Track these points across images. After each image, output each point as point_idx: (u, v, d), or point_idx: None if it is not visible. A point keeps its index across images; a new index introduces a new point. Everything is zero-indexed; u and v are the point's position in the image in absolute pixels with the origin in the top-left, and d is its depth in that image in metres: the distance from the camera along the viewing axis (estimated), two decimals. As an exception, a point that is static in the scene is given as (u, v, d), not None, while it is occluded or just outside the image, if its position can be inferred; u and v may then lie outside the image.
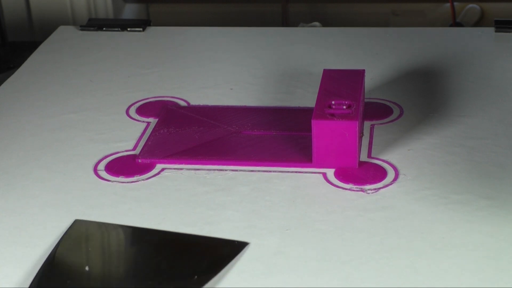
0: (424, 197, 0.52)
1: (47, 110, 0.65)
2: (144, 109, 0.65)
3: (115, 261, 0.48)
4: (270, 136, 0.59)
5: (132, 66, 0.73)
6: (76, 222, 0.51)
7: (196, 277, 0.45)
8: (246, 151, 0.58)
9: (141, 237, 0.49)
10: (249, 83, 0.68)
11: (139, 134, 0.61)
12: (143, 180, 0.55)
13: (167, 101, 0.66)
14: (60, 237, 0.49)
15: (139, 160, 0.57)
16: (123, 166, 0.57)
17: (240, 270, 0.46)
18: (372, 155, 0.57)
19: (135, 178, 0.56)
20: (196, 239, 0.49)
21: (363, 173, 0.55)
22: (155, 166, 0.57)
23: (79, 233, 0.50)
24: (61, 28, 0.82)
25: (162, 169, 0.56)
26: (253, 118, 0.62)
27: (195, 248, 0.48)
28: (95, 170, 0.57)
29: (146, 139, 0.60)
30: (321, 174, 0.55)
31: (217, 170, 0.56)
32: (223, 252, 0.47)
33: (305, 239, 0.49)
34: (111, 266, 0.47)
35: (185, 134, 0.60)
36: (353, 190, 0.53)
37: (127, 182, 0.55)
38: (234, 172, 0.56)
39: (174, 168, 0.56)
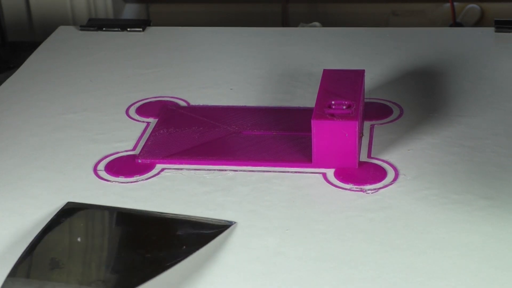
0: (424, 197, 0.52)
1: (47, 110, 0.65)
2: (144, 109, 0.65)
3: (106, 234, 0.50)
4: (270, 136, 0.59)
5: (132, 66, 0.73)
6: (69, 204, 0.52)
7: (184, 247, 0.47)
8: (246, 151, 0.58)
9: (132, 216, 0.51)
10: (249, 83, 0.68)
11: (139, 134, 0.61)
12: (143, 180, 0.55)
13: (167, 101, 0.66)
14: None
15: (139, 160, 0.57)
16: (123, 166, 0.57)
17: (240, 270, 0.46)
18: (372, 155, 0.57)
19: (134, 178, 0.56)
20: (184, 218, 0.51)
21: (363, 173, 0.55)
22: (155, 166, 0.57)
23: (72, 211, 0.52)
24: (61, 28, 0.82)
25: (162, 169, 0.56)
26: (253, 118, 0.62)
27: (183, 224, 0.50)
28: (95, 170, 0.57)
29: (146, 139, 0.60)
30: (321, 174, 0.55)
31: (217, 170, 0.56)
32: (211, 228, 0.49)
33: (305, 239, 0.49)
34: (102, 238, 0.50)
35: (185, 134, 0.60)
36: (353, 190, 0.53)
37: (127, 182, 0.55)
38: (234, 172, 0.56)
39: (174, 168, 0.56)
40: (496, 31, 0.76)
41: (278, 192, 0.53)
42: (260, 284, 0.45)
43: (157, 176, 0.56)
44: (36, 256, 0.47)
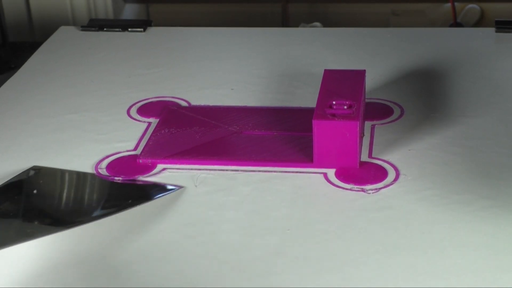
0: (425, 197, 0.52)
1: (47, 110, 0.65)
2: (145, 109, 0.65)
3: (63, 188, 0.55)
4: (271, 136, 0.59)
5: (133, 66, 0.73)
6: (34, 167, 0.56)
7: (130, 201, 0.52)
8: (246, 151, 0.58)
9: (87, 177, 0.56)
10: (250, 83, 0.69)
11: (140, 134, 0.61)
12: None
13: (168, 101, 0.66)
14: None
15: (140, 160, 0.57)
16: (124, 166, 0.57)
17: (240, 270, 0.46)
18: (373, 155, 0.57)
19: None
20: (134, 183, 0.55)
21: (364, 173, 0.55)
22: (156, 166, 0.57)
23: (35, 172, 0.56)
24: (62, 28, 0.82)
25: (163, 169, 0.56)
26: (254, 118, 0.62)
27: (131, 185, 0.55)
28: (96, 170, 0.57)
29: (147, 139, 0.60)
30: (321, 174, 0.55)
31: (218, 170, 0.56)
32: (157, 188, 0.54)
33: (305, 239, 0.49)
34: (59, 190, 0.54)
35: (186, 134, 0.60)
36: (354, 190, 0.53)
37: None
38: (234, 172, 0.56)
39: (175, 168, 0.57)
40: (496, 31, 0.76)
41: (279, 192, 0.53)
42: (260, 284, 0.45)
43: (158, 176, 0.56)
44: None
